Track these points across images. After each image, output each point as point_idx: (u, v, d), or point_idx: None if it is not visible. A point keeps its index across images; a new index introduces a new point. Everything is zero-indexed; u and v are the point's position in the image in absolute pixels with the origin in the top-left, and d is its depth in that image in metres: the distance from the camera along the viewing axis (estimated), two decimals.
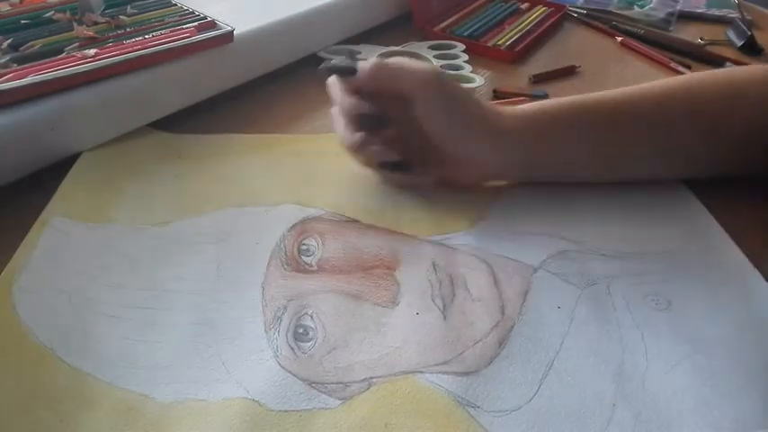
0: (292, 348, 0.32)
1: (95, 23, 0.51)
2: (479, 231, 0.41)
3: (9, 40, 0.47)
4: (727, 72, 0.47)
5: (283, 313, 0.34)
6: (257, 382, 0.30)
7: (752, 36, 0.74)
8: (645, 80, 0.45)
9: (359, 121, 0.41)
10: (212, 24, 0.53)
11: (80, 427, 0.28)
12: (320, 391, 0.30)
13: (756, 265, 0.38)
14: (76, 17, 0.51)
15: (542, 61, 0.68)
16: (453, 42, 0.69)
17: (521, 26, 0.74)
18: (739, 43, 0.74)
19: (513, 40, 0.70)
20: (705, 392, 0.30)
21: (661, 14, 0.83)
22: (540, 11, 0.80)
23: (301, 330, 0.33)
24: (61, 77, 0.43)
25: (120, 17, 0.52)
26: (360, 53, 0.64)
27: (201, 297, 0.35)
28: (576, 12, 0.82)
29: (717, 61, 0.69)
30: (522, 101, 0.54)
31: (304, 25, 0.60)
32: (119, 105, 0.47)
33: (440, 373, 0.31)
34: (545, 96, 0.57)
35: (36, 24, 0.50)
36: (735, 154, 0.44)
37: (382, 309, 0.34)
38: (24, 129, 0.42)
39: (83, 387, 0.30)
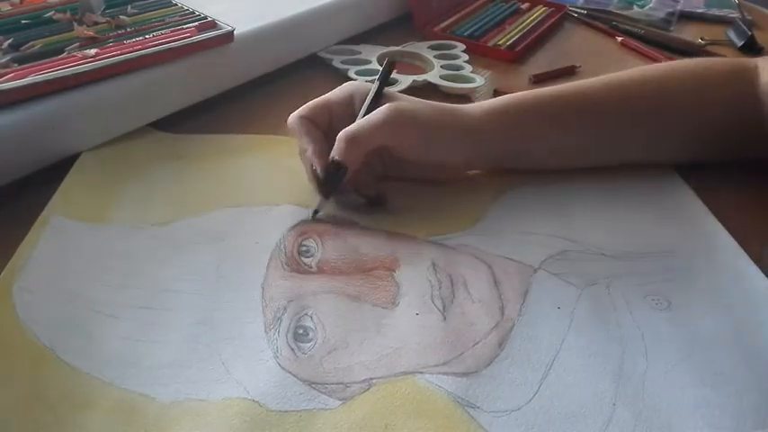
0: (292, 349, 0.32)
1: (96, 23, 0.51)
2: (479, 231, 0.41)
3: (9, 40, 0.47)
4: (697, 63, 0.49)
5: (283, 314, 0.34)
6: (257, 382, 0.30)
7: (752, 36, 0.74)
8: None
9: (325, 182, 0.40)
10: (212, 24, 0.53)
11: (80, 427, 0.28)
12: (320, 392, 0.30)
13: (757, 264, 0.38)
14: (77, 17, 0.51)
15: (543, 61, 0.68)
16: (453, 42, 0.69)
17: (521, 26, 0.74)
18: (740, 43, 0.74)
19: (513, 40, 0.70)
20: (705, 392, 0.30)
21: (661, 14, 0.83)
22: (540, 11, 0.80)
23: (301, 331, 0.33)
24: (61, 77, 0.43)
25: (121, 17, 0.52)
26: (361, 52, 0.64)
27: (201, 297, 0.35)
28: (576, 12, 0.82)
29: None
30: None
31: (304, 25, 0.60)
32: (119, 105, 0.47)
33: (440, 373, 0.31)
34: None
35: (36, 24, 0.50)
36: (707, 143, 0.46)
37: (382, 309, 0.34)
38: (24, 129, 0.42)
39: (83, 387, 0.30)
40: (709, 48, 0.74)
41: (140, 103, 0.48)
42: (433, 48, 0.67)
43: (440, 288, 0.36)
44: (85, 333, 0.32)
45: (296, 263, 0.37)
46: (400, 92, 0.52)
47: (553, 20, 0.78)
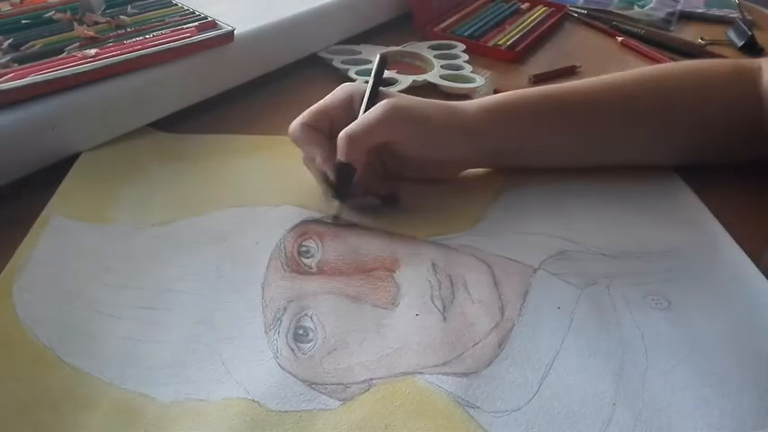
0: (292, 349, 0.32)
1: (96, 23, 0.51)
2: (479, 231, 0.41)
3: (10, 40, 0.47)
4: (697, 64, 0.49)
5: (283, 314, 0.34)
6: (257, 382, 0.30)
7: (752, 36, 0.74)
8: None
9: (339, 185, 0.40)
10: (213, 24, 0.53)
11: (80, 427, 0.28)
12: (320, 392, 0.30)
13: (757, 265, 0.38)
14: (77, 17, 0.51)
15: (543, 61, 0.68)
16: (453, 42, 0.69)
17: (521, 26, 0.74)
18: (740, 43, 0.74)
19: (513, 40, 0.70)
20: (705, 392, 0.30)
21: (661, 14, 0.83)
22: (540, 11, 0.80)
23: (301, 331, 0.33)
24: (61, 77, 0.43)
25: (121, 17, 0.52)
26: (361, 52, 0.64)
27: (201, 297, 0.35)
28: (576, 12, 0.82)
29: None
30: None
31: (304, 25, 0.60)
32: (119, 105, 0.47)
33: (440, 373, 0.31)
34: None
35: (36, 24, 0.50)
36: (707, 143, 0.46)
37: (382, 310, 0.34)
38: (24, 129, 0.42)
39: (83, 387, 0.30)
40: (709, 48, 0.74)
41: (140, 103, 0.48)
42: (433, 48, 0.67)
43: (440, 288, 0.36)
44: (86, 333, 0.32)
45: (296, 263, 0.37)
46: (400, 92, 0.52)
47: (553, 20, 0.78)
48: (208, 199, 0.42)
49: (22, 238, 0.38)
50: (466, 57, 0.66)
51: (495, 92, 0.59)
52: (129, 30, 0.51)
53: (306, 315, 0.34)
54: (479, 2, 0.81)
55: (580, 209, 0.43)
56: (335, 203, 0.42)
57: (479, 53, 0.68)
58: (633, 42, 0.73)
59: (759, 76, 0.45)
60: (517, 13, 0.80)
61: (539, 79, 0.62)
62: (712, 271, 0.38)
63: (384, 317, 0.34)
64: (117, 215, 0.40)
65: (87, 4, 0.52)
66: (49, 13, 0.51)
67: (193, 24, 0.52)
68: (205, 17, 0.53)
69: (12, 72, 0.42)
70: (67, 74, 0.43)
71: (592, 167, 0.46)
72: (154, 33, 0.50)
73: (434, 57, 0.64)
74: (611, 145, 0.45)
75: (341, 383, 0.30)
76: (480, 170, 0.47)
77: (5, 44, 0.46)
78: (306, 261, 0.37)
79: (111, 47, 0.47)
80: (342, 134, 0.38)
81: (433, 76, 0.60)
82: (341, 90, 0.42)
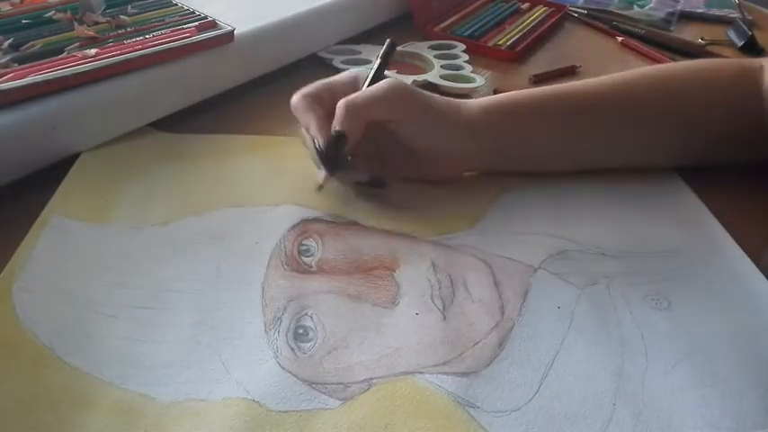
0: (292, 349, 0.32)
1: (96, 23, 0.51)
2: (479, 231, 0.41)
3: (10, 40, 0.47)
4: (699, 65, 0.48)
5: (283, 314, 0.34)
6: (257, 382, 0.30)
7: (752, 36, 0.74)
8: None
9: (327, 155, 0.40)
10: (213, 24, 0.53)
11: (80, 427, 0.28)
12: (320, 392, 0.30)
13: (757, 265, 0.38)
14: (77, 17, 0.51)
15: (543, 61, 0.68)
16: (454, 42, 0.69)
17: (521, 26, 0.74)
18: (740, 43, 0.74)
19: (513, 40, 0.70)
20: (705, 392, 0.30)
21: (661, 14, 0.83)
22: (540, 11, 0.80)
23: (301, 331, 0.33)
24: (61, 77, 0.43)
25: (121, 17, 0.52)
26: (361, 52, 0.64)
27: (201, 297, 0.35)
28: (576, 12, 0.82)
29: None
30: None
31: (304, 25, 0.60)
32: (119, 105, 0.47)
33: (440, 373, 0.31)
34: None
35: (37, 24, 0.50)
36: (710, 144, 0.45)
37: (382, 309, 0.34)
38: (24, 129, 0.42)
39: (83, 387, 0.30)
40: (709, 48, 0.74)
41: (140, 103, 0.48)
42: (433, 48, 0.67)
43: (440, 288, 0.36)
44: (85, 333, 0.32)
45: (296, 262, 0.37)
46: None
47: (553, 20, 0.78)
48: (208, 199, 0.42)
49: (22, 238, 0.38)
50: (466, 57, 0.66)
51: (495, 92, 0.59)
52: (129, 30, 0.51)
53: (306, 314, 0.34)
54: (479, 2, 0.81)
55: (580, 208, 0.43)
56: (322, 175, 0.41)
57: (479, 53, 0.68)
58: (633, 42, 0.73)
59: (761, 76, 0.45)
60: (517, 13, 0.80)
61: (539, 79, 0.62)
62: (712, 271, 0.38)
63: (384, 316, 0.34)
64: (117, 215, 0.41)
65: (87, 4, 0.52)
66: (49, 13, 0.51)
67: (193, 24, 0.52)
68: (205, 17, 0.53)
69: (12, 72, 0.42)
70: (67, 74, 0.43)
71: (592, 170, 0.46)
72: (154, 33, 0.50)
73: (434, 57, 0.64)
74: (613, 146, 0.45)
75: (341, 383, 0.30)
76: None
77: (5, 44, 0.46)
78: (306, 260, 0.37)
79: (111, 47, 0.47)
80: (341, 102, 0.39)
81: (433, 76, 0.60)
82: (347, 72, 0.43)
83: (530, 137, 0.44)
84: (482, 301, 0.35)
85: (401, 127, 0.41)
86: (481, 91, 0.59)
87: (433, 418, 0.29)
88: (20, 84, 0.41)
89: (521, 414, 0.29)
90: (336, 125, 0.38)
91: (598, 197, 0.44)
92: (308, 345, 0.32)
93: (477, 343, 0.33)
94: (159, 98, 0.50)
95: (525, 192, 0.45)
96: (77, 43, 0.47)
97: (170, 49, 0.48)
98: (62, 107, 0.43)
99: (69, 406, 0.29)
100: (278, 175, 0.45)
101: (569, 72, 0.65)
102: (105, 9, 0.54)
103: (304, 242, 0.39)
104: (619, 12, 0.83)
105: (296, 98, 0.41)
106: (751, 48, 0.73)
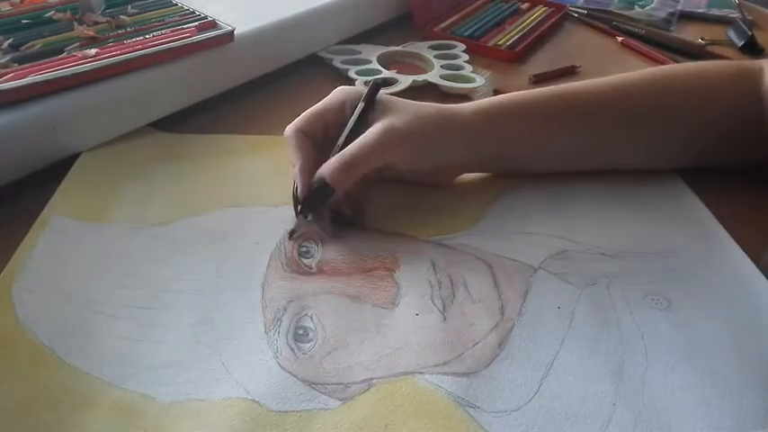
0: (292, 349, 0.32)
1: (96, 23, 0.51)
2: (479, 231, 0.41)
3: (10, 40, 0.47)
4: (700, 66, 0.48)
5: (283, 314, 0.34)
6: (257, 382, 0.30)
7: (752, 36, 0.74)
8: None
9: (306, 200, 0.39)
10: (213, 24, 0.53)
11: (80, 427, 0.28)
12: (320, 392, 0.30)
13: (757, 265, 0.38)
14: (77, 17, 0.51)
15: (543, 61, 0.68)
16: (454, 42, 0.69)
17: (521, 26, 0.74)
18: (740, 43, 0.74)
19: (513, 40, 0.70)
20: (705, 392, 0.30)
21: (662, 14, 0.83)
22: (540, 11, 0.80)
23: (301, 331, 0.33)
24: (61, 77, 0.43)
25: (121, 17, 0.52)
26: (361, 52, 0.64)
27: (201, 297, 0.35)
28: (576, 12, 0.82)
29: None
30: None
31: (304, 25, 0.60)
32: (119, 105, 0.47)
33: (440, 373, 0.31)
34: None
35: (37, 24, 0.50)
36: (710, 145, 0.45)
37: (382, 310, 0.34)
38: (24, 129, 0.42)
39: (82, 387, 0.30)
40: (709, 48, 0.74)
41: (140, 103, 0.48)
42: (433, 48, 0.67)
43: (440, 288, 0.36)
44: (85, 333, 0.32)
45: (296, 264, 0.37)
46: (400, 92, 0.52)
47: (553, 20, 0.78)
48: (208, 199, 0.42)
49: (22, 238, 0.38)
50: (466, 57, 0.66)
51: (495, 92, 0.59)
52: (129, 30, 0.51)
53: (306, 315, 0.34)
54: (479, 2, 0.81)
55: (580, 209, 0.43)
56: (294, 218, 0.40)
57: (479, 53, 0.68)
58: (633, 42, 0.73)
59: (761, 77, 0.45)
60: (517, 13, 0.80)
61: (539, 79, 0.62)
62: (712, 271, 0.38)
63: (384, 316, 0.34)
64: (117, 215, 0.41)
65: (87, 4, 0.52)
66: (49, 13, 0.51)
67: (193, 24, 0.52)
68: (205, 17, 0.53)
69: (12, 72, 0.42)
70: (67, 74, 0.43)
71: (592, 170, 0.46)
72: (154, 33, 0.50)
73: (434, 57, 0.64)
74: (615, 147, 0.45)
75: (341, 383, 0.30)
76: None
77: (5, 44, 0.46)
78: (306, 261, 0.37)
79: (111, 47, 0.47)
80: (338, 158, 0.37)
81: (433, 76, 0.60)
82: (335, 94, 0.42)
83: (530, 138, 0.44)
84: (482, 302, 0.35)
85: (398, 164, 0.40)
86: (481, 91, 0.59)
87: (433, 418, 0.29)
88: (20, 84, 0.41)
89: (521, 414, 0.29)
90: (327, 177, 0.37)
91: (598, 197, 0.44)
92: (308, 345, 0.32)
93: (477, 343, 0.33)
94: (159, 98, 0.50)
95: (525, 192, 0.45)
96: (77, 43, 0.47)
97: (170, 49, 0.48)
98: (62, 107, 0.43)
99: (69, 406, 0.29)
100: (278, 176, 0.45)
101: (569, 72, 0.65)
102: (105, 9, 0.54)
103: (304, 243, 0.39)
104: (619, 12, 0.83)
105: (288, 131, 0.40)
106: (751, 48, 0.73)
